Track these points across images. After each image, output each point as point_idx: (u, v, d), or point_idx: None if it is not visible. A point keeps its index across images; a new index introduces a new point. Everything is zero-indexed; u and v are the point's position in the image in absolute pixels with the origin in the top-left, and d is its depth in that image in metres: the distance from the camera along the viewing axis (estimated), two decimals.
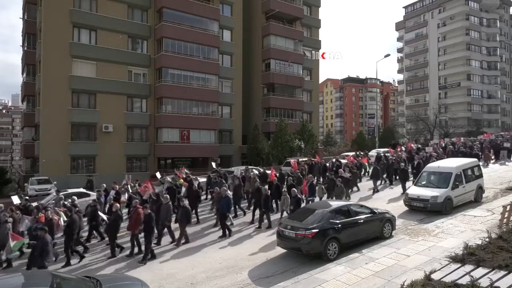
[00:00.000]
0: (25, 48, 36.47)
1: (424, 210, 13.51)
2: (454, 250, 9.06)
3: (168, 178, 19.20)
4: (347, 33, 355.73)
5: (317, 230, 9.58)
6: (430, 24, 70.97)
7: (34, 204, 15.62)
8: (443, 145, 28.86)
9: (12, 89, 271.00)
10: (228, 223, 13.74)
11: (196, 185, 16.73)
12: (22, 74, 38.07)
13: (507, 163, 23.71)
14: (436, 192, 13.44)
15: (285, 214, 14.17)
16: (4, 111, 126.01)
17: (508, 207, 10.81)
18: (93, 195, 19.07)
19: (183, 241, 12.53)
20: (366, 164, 23.40)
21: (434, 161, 19.15)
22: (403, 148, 28.53)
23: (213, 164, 24.04)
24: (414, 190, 14.30)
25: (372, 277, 8.18)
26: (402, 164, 18.49)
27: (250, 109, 42.61)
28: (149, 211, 11.50)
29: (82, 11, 30.96)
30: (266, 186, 15.96)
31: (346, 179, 16.90)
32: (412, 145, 30.90)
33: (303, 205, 13.56)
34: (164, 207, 12.92)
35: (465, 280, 7.15)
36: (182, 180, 19.02)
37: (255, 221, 14.45)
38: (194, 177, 20.26)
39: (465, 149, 24.35)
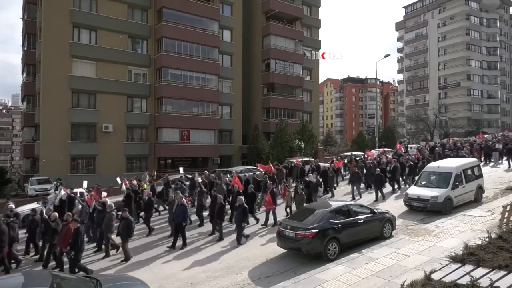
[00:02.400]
0: (25, 48, 36.47)
1: (424, 210, 13.50)
2: (454, 250, 9.06)
3: (134, 182, 17.78)
4: (347, 33, 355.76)
5: (317, 230, 9.58)
6: (430, 24, 70.99)
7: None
8: (431, 146, 27.62)
9: (12, 89, 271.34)
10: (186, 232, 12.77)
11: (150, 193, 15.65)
12: (22, 74, 38.07)
13: (498, 165, 22.70)
14: (436, 192, 13.43)
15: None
16: (4, 111, 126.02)
17: (508, 207, 10.81)
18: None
19: (122, 258, 11.28)
20: (342, 167, 22.14)
21: (412, 165, 18.77)
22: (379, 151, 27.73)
23: (181, 170, 22.41)
24: (414, 190, 14.29)
25: (372, 277, 8.18)
26: (378, 169, 17.10)
27: (250, 109, 42.61)
28: (78, 225, 10.06)
29: (82, 11, 30.96)
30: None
31: (315, 184, 16.09)
32: (401, 146, 29.69)
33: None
34: (107, 216, 11.82)
35: (465, 280, 7.15)
36: (145, 186, 18.06)
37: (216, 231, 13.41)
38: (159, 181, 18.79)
39: (451, 152, 22.97)
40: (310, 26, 46.52)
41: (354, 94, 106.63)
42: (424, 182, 14.65)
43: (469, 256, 8.41)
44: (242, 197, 12.88)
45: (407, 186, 18.11)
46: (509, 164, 21.55)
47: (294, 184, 17.09)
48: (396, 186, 18.14)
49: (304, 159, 26.26)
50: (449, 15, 67.49)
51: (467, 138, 38.33)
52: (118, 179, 18.45)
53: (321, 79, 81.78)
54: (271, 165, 20.52)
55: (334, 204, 10.99)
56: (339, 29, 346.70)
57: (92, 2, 31.64)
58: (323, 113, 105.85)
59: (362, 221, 10.59)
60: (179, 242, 12.30)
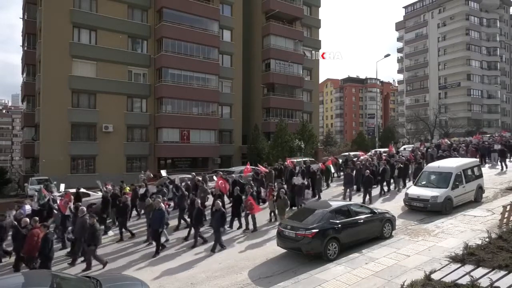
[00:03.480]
0: (25, 48, 36.46)
1: (424, 210, 13.50)
2: (454, 250, 9.06)
3: (109, 187, 16.93)
4: (347, 33, 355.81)
5: (317, 230, 9.58)
6: (430, 24, 70.99)
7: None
8: (427, 146, 26.64)
9: (12, 89, 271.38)
10: (163, 240, 12.30)
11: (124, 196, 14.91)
12: (22, 74, 38.06)
13: (496, 166, 21.78)
14: (436, 192, 13.43)
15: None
16: (4, 111, 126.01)
17: (508, 207, 10.81)
18: (94, 195, 19.04)
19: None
20: (331, 167, 21.00)
21: (401, 167, 18.17)
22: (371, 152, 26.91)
23: (163, 172, 21.46)
24: (414, 190, 14.29)
25: (372, 277, 8.18)
26: (367, 171, 16.63)
27: (250, 109, 42.60)
28: (47, 231, 9.64)
29: (82, 11, 30.96)
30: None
31: (299, 187, 15.62)
32: (393, 148, 28.46)
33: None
34: (78, 221, 11.05)
35: (465, 280, 7.15)
36: (127, 189, 17.52)
37: (190, 237, 12.72)
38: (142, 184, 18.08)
39: (444, 153, 21.95)
40: (310, 26, 46.52)
41: (354, 94, 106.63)
42: (424, 182, 14.64)
43: (469, 256, 8.41)
44: (219, 202, 12.26)
45: (396, 188, 17.90)
46: (502, 166, 20.85)
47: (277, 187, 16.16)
48: (386, 189, 17.70)
49: (304, 159, 26.27)
50: (449, 15, 67.50)
51: (464, 138, 37.75)
52: (99, 182, 17.92)
53: (321, 79, 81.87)
54: (260, 166, 19.85)
55: (334, 204, 10.98)
56: (339, 29, 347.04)
57: (92, 2, 31.63)
58: (323, 113, 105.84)
59: (362, 221, 10.59)
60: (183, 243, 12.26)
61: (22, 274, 7.15)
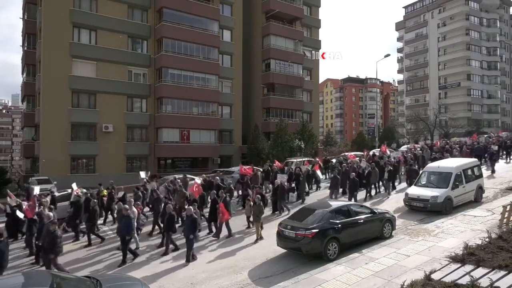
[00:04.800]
0: (25, 48, 36.46)
1: (424, 210, 13.50)
2: (454, 250, 9.06)
3: (80, 192, 16.13)
4: (347, 33, 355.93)
5: (317, 230, 9.58)
6: (430, 24, 70.99)
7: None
8: (419, 148, 25.87)
9: (12, 89, 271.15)
10: (134, 247, 11.71)
11: (95, 201, 14.19)
12: (22, 74, 38.06)
13: (495, 167, 20.25)
14: (436, 192, 13.43)
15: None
16: (4, 111, 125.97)
17: (508, 207, 10.80)
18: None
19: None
20: (318, 172, 20.26)
21: (391, 169, 17.51)
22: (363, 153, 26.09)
23: (142, 174, 20.51)
24: (414, 190, 14.29)
25: (372, 277, 8.18)
26: (353, 173, 16.26)
27: (250, 109, 42.60)
28: (1, 239, 8.84)
29: (82, 11, 30.95)
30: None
31: (282, 190, 15.10)
32: (387, 149, 27.39)
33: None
34: (44, 227, 10.44)
35: (465, 280, 7.15)
36: (104, 192, 16.79)
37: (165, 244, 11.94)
38: (117, 187, 17.29)
39: (436, 155, 21.14)
40: (310, 26, 46.51)
41: (354, 94, 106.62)
42: (424, 182, 14.65)
43: (469, 256, 8.41)
44: (191, 207, 11.56)
45: (387, 191, 17.42)
46: (492, 170, 19.96)
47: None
48: (373, 192, 17.20)
49: (303, 159, 26.24)
50: (449, 15, 67.49)
51: (459, 139, 37.29)
52: (74, 185, 17.22)
53: (321, 79, 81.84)
54: (243, 167, 19.01)
55: (334, 204, 10.99)
56: (339, 29, 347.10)
57: (92, 2, 31.63)
58: (323, 113, 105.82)
59: (362, 221, 10.59)
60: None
61: (22, 274, 7.15)
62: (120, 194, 16.58)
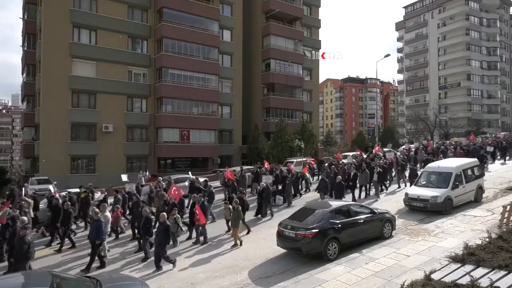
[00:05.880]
0: (25, 48, 36.45)
1: (424, 210, 13.50)
2: (454, 250, 9.06)
3: (57, 195, 15.54)
4: (347, 33, 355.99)
5: (317, 230, 9.58)
6: (430, 24, 71.00)
7: None
8: (413, 149, 25.68)
9: (12, 89, 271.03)
10: (102, 253, 10.90)
11: (70, 203, 13.66)
12: (22, 74, 38.06)
13: (488, 168, 20.39)
14: (436, 192, 13.43)
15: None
16: (4, 111, 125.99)
17: (508, 207, 10.80)
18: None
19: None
20: (308, 175, 19.40)
21: (380, 171, 17.10)
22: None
23: (123, 177, 19.92)
24: (414, 190, 14.29)
25: (372, 277, 8.18)
26: (339, 177, 15.71)
27: (250, 109, 42.60)
28: None
29: (82, 11, 30.96)
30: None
31: (267, 193, 14.57)
32: (380, 149, 26.91)
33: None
34: (18, 232, 9.93)
35: (465, 280, 7.15)
36: (83, 195, 16.33)
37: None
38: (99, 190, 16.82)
39: (429, 157, 20.86)
40: (310, 26, 46.52)
41: (354, 94, 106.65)
42: (424, 182, 14.64)
43: (469, 256, 8.40)
44: (165, 213, 10.86)
45: (376, 194, 17.02)
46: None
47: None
48: (362, 195, 16.80)
49: (303, 159, 26.20)
50: (449, 15, 67.51)
51: (457, 139, 37.03)
52: (51, 187, 17.03)
53: (321, 79, 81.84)
54: (229, 171, 18.36)
55: (334, 204, 10.99)
56: (339, 29, 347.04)
57: (92, 2, 31.63)
58: (323, 113, 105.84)
59: (362, 221, 10.59)
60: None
61: (22, 274, 7.14)
62: (100, 196, 15.98)
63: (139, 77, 34.24)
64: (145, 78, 34.38)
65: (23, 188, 20.35)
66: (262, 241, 12.25)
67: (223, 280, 9.19)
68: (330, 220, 9.96)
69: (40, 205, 16.49)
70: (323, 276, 8.40)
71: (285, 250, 10.50)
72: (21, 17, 38.16)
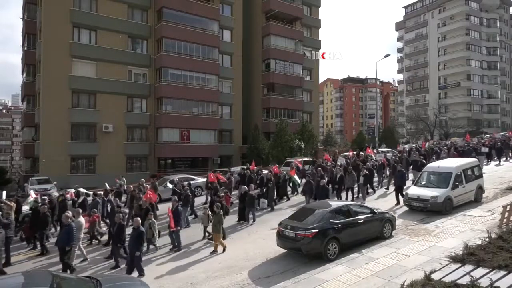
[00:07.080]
0: (25, 48, 36.49)
1: (424, 210, 13.48)
2: (454, 250, 9.05)
3: (39, 198, 15.06)
4: (347, 33, 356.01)
5: (317, 230, 9.57)
6: (430, 24, 71.02)
7: None
8: (407, 150, 25.14)
9: (12, 89, 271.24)
10: (76, 259, 10.52)
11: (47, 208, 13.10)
12: (22, 74, 38.08)
13: (484, 170, 19.18)
14: (436, 192, 13.41)
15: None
16: (4, 111, 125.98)
17: (508, 207, 10.80)
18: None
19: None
20: (295, 177, 18.42)
21: (367, 173, 16.70)
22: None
23: (106, 186, 19.34)
24: (414, 190, 14.27)
25: (372, 277, 8.18)
26: (323, 180, 15.17)
27: (250, 109, 42.60)
28: None
29: (82, 11, 30.96)
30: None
31: (251, 198, 14.10)
32: (373, 150, 26.27)
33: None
34: None
35: (465, 280, 7.15)
36: (60, 198, 15.57)
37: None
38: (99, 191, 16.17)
39: (420, 158, 19.90)
40: (310, 26, 46.52)
41: (354, 94, 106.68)
42: (424, 182, 14.63)
43: (469, 256, 8.40)
44: (139, 218, 10.26)
45: (360, 196, 16.53)
46: None
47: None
48: (349, 198, 16.16)
49: (303, 159, 26.15)
50: (449, 15, 67.52)
51: (455, 139, 36.86)
52: (32, 192, 16.31)
53: (321, 79, 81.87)
54: (211, 174, 17.84)
55: (334, 204, 11.00)
56: (339, 29, 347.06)
57: (92, 2, 31.64)
58: (323, 113, 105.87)
59: (362, 221, 10.59)
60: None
61: (22, 274, 7.14)
62: (80, 199, 15.57)
63: (139, 77, 34.24)
64: (145, 78, 34.38)
65: (24, 188, 20.15)
66: (262, 241, 12.24)
67: (223, 280, 9.18)
68: (330, 220, 9.95)
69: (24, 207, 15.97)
70: (323, 276, 8.40)
71: (285, 250, 10.49)
72: (21, 17, 38.18)
